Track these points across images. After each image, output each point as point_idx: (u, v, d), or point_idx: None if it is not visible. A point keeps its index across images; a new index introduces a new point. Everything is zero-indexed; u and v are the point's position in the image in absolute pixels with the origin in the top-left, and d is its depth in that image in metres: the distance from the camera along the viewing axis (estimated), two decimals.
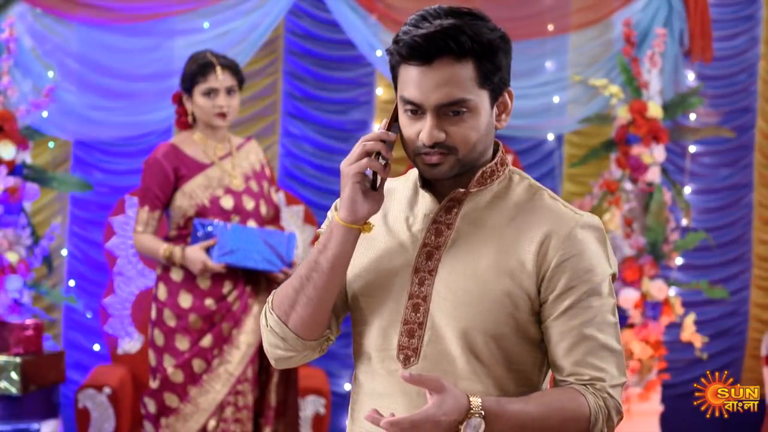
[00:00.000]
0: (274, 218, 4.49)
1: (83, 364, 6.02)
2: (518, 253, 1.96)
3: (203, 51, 4.45)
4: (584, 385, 1.95)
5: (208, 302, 4.30)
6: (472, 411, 1.87)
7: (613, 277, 2.01)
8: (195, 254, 4.23)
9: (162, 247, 4.30)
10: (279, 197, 4.63)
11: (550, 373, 2.07)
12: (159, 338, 4.35)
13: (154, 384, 4.36)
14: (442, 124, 1.95)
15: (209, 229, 4.22)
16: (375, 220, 2.05)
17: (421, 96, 1.94)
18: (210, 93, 4.32)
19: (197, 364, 4.29)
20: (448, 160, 1.97)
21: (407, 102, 1.96)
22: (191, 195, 4.31)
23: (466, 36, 1.90)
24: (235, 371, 4.31)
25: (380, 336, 2.04)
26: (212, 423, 4.28)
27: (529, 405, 1.92)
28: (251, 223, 4.35)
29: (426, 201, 2.05)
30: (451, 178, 2.00)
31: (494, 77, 1.95)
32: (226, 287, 4.33)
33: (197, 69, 4.34)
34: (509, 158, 2.09)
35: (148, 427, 4.40)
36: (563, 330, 1.95)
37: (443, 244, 2.01)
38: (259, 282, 4.39)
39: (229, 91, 4.34)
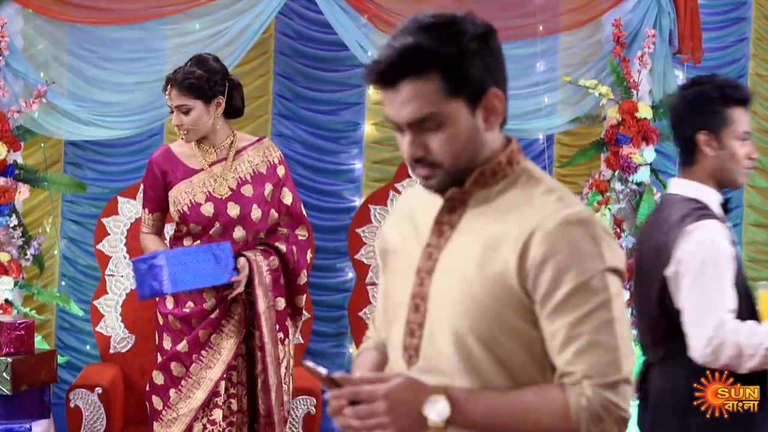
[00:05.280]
0: (287, 221, 4.38)
1: (75, 363, 6.03)
2: (504, 252, 1.93)
3: (189, 59, 4.35)
4: (573, 384, 1.89)
5: (188, 305, 4.28)
6: (434, 392, 1.89)
7: (614, 271, 1.95)
8: None
9: None
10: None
11: None
12: (156, 338, 4.38)
13: (147, 387, 4.39)
14: (420, 139, 1.96)
15: (152, 261, 4.10)
16: (406, 228, 2.11)
17: (394, 115, 1.97)
18: (172, 110, 4.29)
19: (175, 368, 4.28)
20: (437, 173, 1.98)
21: (388, 120, 2.00)
22: (175, 201, 4.28)
23: (422, 54, 1.90)
24: (214, 376, 4.27)
25: (395, 336, 2.08)
26: (198, 427, 4.25)
27: (504, 397, 1.91)
28: (237, 231, 4.26)
29: (437, 203, 2.07)
30: (455, 181, 2.01)
31: (465, 84, 1.93)
32: (207, 293, 4.30)
33: (163, 85, 4.32)
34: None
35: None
36: (553, 329, 1.91)
37: (443, 244, 2.02)
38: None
39: (187, 111, 4.24)
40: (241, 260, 4.25)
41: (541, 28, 5.84)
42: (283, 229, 4.38)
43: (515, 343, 1.94)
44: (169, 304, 4.31)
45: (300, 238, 4.38)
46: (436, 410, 1.87)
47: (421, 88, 1.92)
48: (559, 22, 5.88)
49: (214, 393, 4.26)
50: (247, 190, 4.31)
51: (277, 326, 4.33)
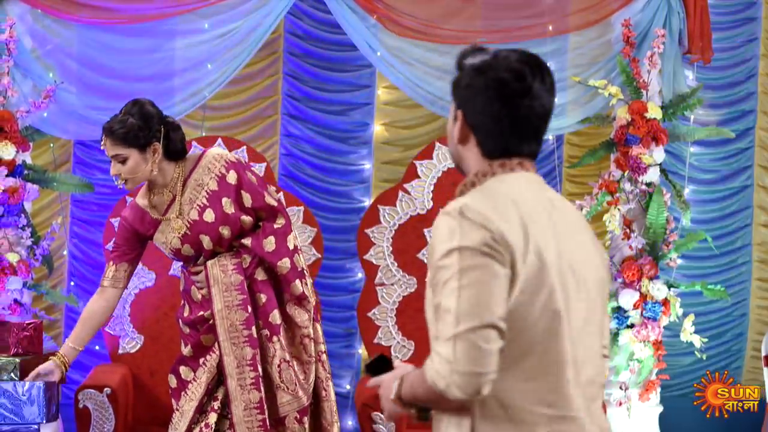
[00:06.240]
0: (265, 216, 4.31)
1: (84, 364, 6.03)
2: None
3: (125, 105, 4.22)
4: (432, 349, 2.12)
5: (198, 313, 4.26)
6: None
7: (464, 248, 2.11)
8: (47, 363, 4.37)
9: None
10: (279, 196, 4.45)
11: None
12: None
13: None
14: None
15: None
16: None
17: None
18: (110, 159, 4.19)
19: (184, 372, 4.27)
20: None
21: None
22: (162, 249, 4.27)
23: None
24: (208, 377, 4.24)
25: None
26: (195, 431, 4.21)
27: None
28: (217, 249, 4.21)
29: None
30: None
31: (456, 101, 2.30)
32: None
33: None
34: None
35: None
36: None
37: None
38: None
39: (124, 161, 4.12)
40: (201, 273, 4.24)
41: (550, 28, 5.83)
42: (261, 223, 4.31)
43: None
44: (185, 311, 4.31)
45: (276, 227, 4.28)
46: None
47: None
48: (569, 22, 5.87)
49: (213, 397, 4.24)
50: (209, 216, 4.20)
51: (261, 322, 4.25)
